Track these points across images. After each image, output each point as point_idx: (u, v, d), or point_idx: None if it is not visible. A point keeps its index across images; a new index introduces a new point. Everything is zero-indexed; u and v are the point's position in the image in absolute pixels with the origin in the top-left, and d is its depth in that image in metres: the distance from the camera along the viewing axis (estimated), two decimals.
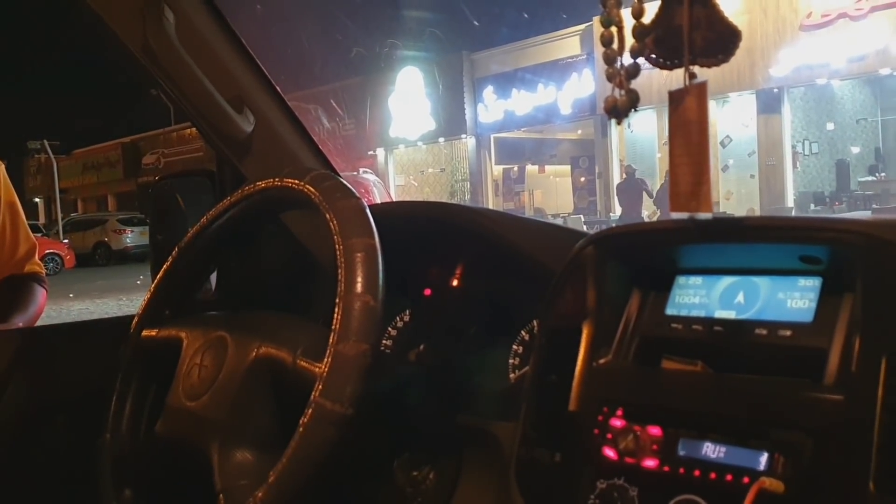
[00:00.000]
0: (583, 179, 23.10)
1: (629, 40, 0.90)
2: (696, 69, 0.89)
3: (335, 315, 0.97)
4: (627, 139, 20.97)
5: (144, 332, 1.25)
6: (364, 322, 0.96)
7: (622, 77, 0.91)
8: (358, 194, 1.08)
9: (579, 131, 23.71)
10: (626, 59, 0.92)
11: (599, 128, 21.11)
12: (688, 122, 0.89)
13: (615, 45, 0.91)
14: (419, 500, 1.25)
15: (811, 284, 0.94)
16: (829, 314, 0.90)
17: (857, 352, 0.84)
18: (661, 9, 0.88)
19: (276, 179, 1.15)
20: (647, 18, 0.90)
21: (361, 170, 16.77)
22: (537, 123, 22.74)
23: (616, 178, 20.11)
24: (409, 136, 24.89)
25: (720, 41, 0.86)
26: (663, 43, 0.89)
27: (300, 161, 1.54)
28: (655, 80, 0.95)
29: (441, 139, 24.75)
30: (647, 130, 20.01)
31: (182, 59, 1.36)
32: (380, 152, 26.13)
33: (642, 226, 1.14)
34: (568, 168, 24.09)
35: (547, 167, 25.46)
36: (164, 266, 1.28)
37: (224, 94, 1.43)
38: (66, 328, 1.72)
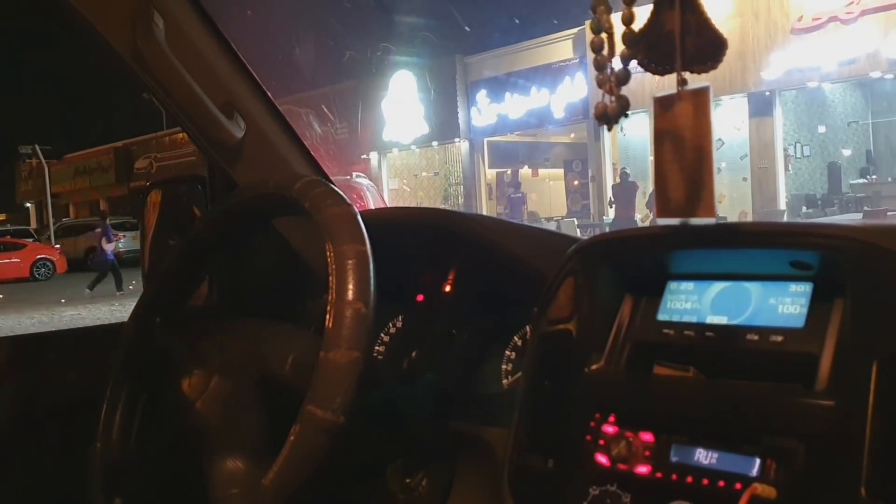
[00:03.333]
0: (576, 183, 23.12)
1: (619, 46, 0.90)
2: (685, 75, 0.89)
3: (326, 322, 0.96)
4: (620, 142, 20.98)
5: (135, 340, 1.25)
6: (355, 329, 0.95)
7: (612, 83, 0.91)
8: (349, 200, 1.07)
9: (572, 135, 23.70)
10: (617, 65, 0.92)
11: (592, 131, 21.11)
12: (680, 128, 0.89)
13: (605, 52, 0.91)
14: None
15: (802, 290, 0.94)
16: (820, 320, 0.90)
17: (848, 357, 0.84)
18: (653, 14, 0.88)
19: (266, 186, 1.15)
20: (637, 24, 0.90)
21: (355, 174, 16.74)
22: (530, 127, 22.73)
23: (609, 181, 20.14)
24: (403, 140, 24.86)
25: (710, 47, 0.86)
26: (655, 48, 0.89)
27: (291, 166, 1.53)
28: (648, 85, 0.95)
29: (434, 143, 24.73)
30: (639, 134, 20.01)
31: (172, 64, 1.36)
32: (373, 156, 26.10)
33: (634, 231, 1.14)
34: (561, 171, 24.12)
35: (540, 171, 25.48)
36: (155, 273, 1.28)
37: (214, 99, 1.42)
38: (56, 336, 1.71)
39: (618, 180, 18.09)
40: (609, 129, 0.95)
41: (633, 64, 0.92)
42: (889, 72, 16.71)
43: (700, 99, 0.89)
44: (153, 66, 1.36)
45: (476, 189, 24.18)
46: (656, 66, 0.90)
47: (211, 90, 1.42)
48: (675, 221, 0.95)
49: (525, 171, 25.01)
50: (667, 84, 0.93)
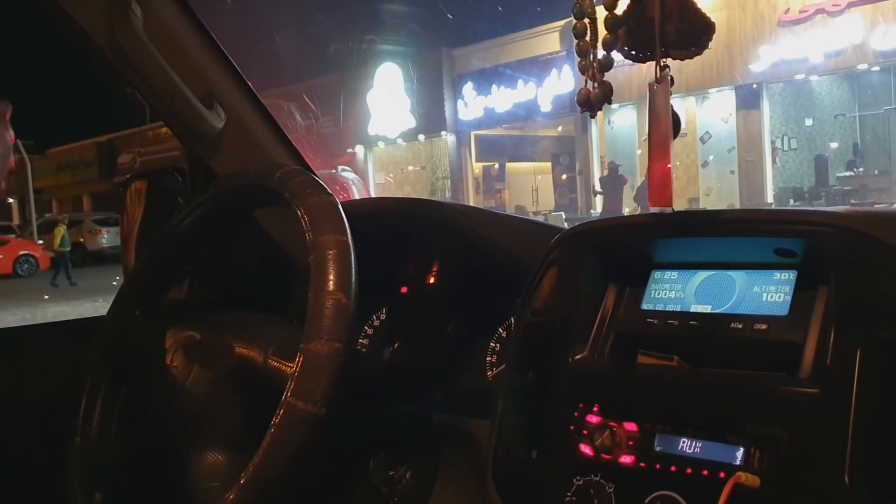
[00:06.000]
0: (564, 177, 23.15)
1: (602, 32, 0.89)
2: (669, 62, 0.88)
3: (307, 313, 0.95)
4: (608, 135, 21.02)
5: (115, 334, 1.23)
6: (336, 320, 0.94)
7: (595, 69, 0.90)
8: (330, 190, 1.06)
9: (560, 128, 23.71)
10: (600, 52, 0.91)
11: (580, 124, 21.13)
12: (657, 115, 0.89)
13: (588, 37, 0.90)
14: (396, 499, 1.24)
15: (786, 278, 0.94)
16: (804, 307, 0.90)
17: (832, 345, 0.83)
18: (633, 1, 0.87)
19: (246, 176, 1.14)
20: (620, 10, 0.89)
21: (340, 168, 16.61)
22: (517, 120, 22.73)
23: (597, 174, 20.17)
24: (389, 134, 24.81)
25: (692, 33, 0.85)
26: (635, 35, 0.88)
27: (272, 157, 1.52)
28: (635, 76, 0.94)
29: (421, 136, 24.69)
30: (627, 126, 20.05)
31: (150, 54, 1.34)
32: (359, 150, 26.03)
33: (617, 220, 1.13)
34: (549, 165, 24.14)
35: (528, 164, 25.49)
36: (134, 266, 1.26)
37: (194, 89, 1.40)
38: (35, 329, 1.69)
39: (606, 173, 18.11)
40: (592, 117, 0.94)
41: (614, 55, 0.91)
42: (876, 64, 16.80)
43: (662, 83, 0.88)
44: (131, 57, 1.34)
45: (463, 183, 24.18)
46: (637, 53, 0.89)
47: (190, 80, 1.40)
48: (655, 210, 0.94)
49: (521, 165, 24.96)
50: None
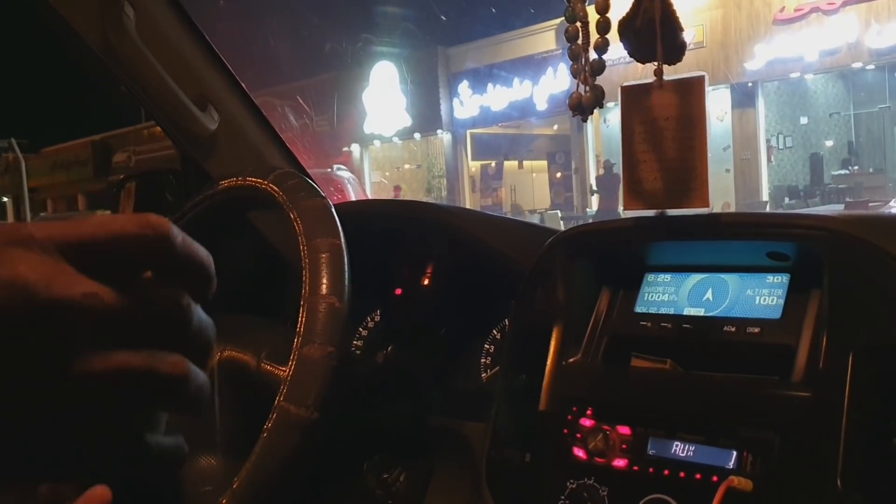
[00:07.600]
0: (559, 175, 23.15)
1: (594, 35, 0.89)
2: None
3: (300, 317, 0.95)
4: (604, 134, 21.00)
5: None
6: (329, 324, 0.94)
7: (587, 73, 0.90)
8: (323, 193, 1.06)
9: (555, 126, 23.68)
10: (592, 55, 0.91)
11: (575, 123, 21.07)
12: (660, 118, 0.89)
13: (580, 41, 0.90)
14: (390, 502, 1.24)
15: (779, 281, 0.94)
16: (797, 311, 0.90)
17: (824, 348, 0.83)
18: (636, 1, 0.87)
19: (239, 179, 1.13)
20: (612, 14, 0.89)
21: (336, 166, 16.58)
22: (513, 119, 22.70)
23: (592, 173, 20.19)
24: (385, 132, 24.76)
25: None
26: (643, 35, 0.88)
27: (266, 159, 1.51)
28: (631, 76, 0.94)
29: (417, 135, 24.66)
30: None
31: (143, 55, 1.34)
32: (355, 148, 25.99)
33: (610, 223, 1.13)
34: (545, 163, 24.14)
35: (525, 163, 25.48)
36: None
37: (187, 91, 1.40)
38: None
39: (601, 172, 18.11)
40: (584, 120, 0.94)
41: (608, 54, 0.91)
42: (870, 62, 16.82)
43: (694, 88, 0.88)
44: (124, 59, 1.34)
45: (459, 181, 24.17)
46: (640, 54, 0.89)
47: (183, 82, 1.40)
48: (649, 213, 0.94)
49: (510, 163, 25.00)
50: (646, 74, 0.92)
